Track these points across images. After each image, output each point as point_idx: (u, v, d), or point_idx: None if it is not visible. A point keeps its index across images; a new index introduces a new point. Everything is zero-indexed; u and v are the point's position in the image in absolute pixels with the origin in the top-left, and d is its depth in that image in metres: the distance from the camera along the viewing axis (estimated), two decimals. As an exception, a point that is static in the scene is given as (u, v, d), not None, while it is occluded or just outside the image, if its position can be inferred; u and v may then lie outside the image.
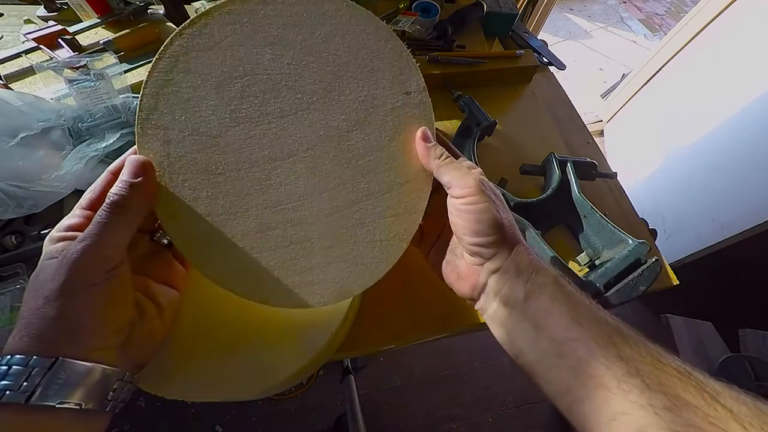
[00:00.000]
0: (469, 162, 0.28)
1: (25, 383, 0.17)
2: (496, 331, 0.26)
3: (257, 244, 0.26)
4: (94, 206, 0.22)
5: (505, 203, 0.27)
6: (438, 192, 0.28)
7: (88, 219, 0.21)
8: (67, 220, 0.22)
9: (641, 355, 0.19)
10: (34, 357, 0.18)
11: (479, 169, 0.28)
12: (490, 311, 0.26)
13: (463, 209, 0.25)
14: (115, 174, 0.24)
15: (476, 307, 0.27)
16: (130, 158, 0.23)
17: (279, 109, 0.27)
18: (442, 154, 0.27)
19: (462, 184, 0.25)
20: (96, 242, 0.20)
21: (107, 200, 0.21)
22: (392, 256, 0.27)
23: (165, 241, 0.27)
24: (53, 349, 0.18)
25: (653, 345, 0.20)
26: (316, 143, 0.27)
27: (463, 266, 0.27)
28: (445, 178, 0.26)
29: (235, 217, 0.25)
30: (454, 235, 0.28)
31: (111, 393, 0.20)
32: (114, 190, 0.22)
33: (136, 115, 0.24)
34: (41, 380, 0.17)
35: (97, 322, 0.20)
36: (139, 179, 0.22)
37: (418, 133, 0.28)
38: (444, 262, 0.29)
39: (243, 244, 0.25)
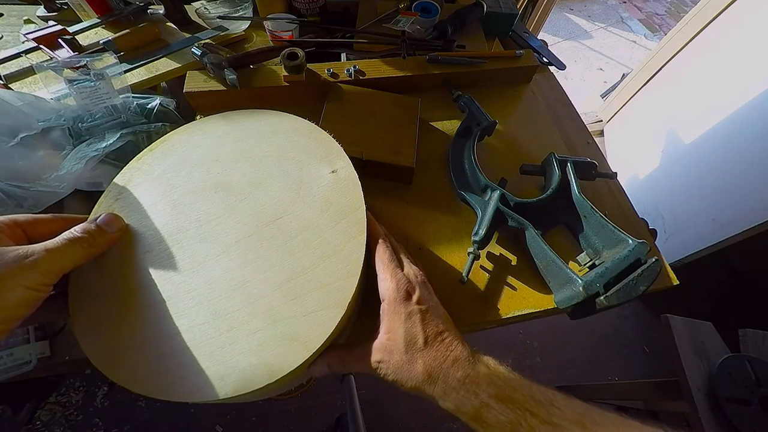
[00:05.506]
0: (406, 264, 0.31)
1: None
2: None
3: (179, 342, 0.27)
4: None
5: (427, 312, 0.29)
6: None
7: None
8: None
9: None
10: None
11: (412, 270, 0.31)
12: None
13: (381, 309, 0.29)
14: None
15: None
16: (117, 215, 0.30)
17: (212, 212, 0.31)
18: (385, 252, 0.31)
19: (382, 288, 0.29)
20: (51, 258, 0.24)
21: (77, 232, 0.27)
22: (328, 324, 0.27)
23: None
24: None
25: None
26: (247, 235, 0.30)
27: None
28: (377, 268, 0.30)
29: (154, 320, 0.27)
30: None
31: None
32: (91, 229, 0.27)
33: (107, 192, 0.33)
34: None
35: (18, 315, 0.23)
36: (115, 233, 0.29)
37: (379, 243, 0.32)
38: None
39: (161, 344, 0.26)
